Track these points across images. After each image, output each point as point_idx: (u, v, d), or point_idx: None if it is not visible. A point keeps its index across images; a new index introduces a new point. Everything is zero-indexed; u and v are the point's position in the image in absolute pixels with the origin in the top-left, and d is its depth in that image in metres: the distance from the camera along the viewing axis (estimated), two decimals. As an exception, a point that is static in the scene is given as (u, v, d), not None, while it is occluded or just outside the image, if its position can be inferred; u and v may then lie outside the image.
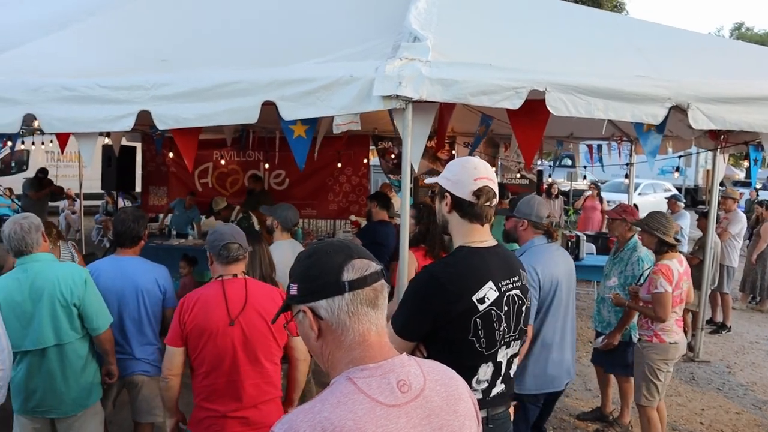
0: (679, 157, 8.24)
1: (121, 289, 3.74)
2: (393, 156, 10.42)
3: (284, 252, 4.66)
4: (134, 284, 3.76)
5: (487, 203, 2.27)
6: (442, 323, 2.17)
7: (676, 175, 9.49)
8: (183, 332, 2.94)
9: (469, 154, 6.84)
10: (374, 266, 1.40)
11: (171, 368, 3.00)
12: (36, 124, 4.02)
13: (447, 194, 2.31)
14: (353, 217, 9.91)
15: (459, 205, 2.28)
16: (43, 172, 11.04)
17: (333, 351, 1.38)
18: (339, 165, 10.41)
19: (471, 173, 2.27)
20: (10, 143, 5.41)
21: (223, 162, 10.77)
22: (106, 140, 8.44)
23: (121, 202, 13.56)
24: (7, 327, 3.30)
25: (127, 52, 4.62)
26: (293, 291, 1.42)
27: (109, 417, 4.07)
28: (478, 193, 2.24)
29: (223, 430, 2.93)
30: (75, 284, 3.35)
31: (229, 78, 3.61)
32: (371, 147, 10.87)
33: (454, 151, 10.20)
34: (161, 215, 10.88)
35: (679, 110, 3.69)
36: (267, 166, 10.63)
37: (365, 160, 10.71)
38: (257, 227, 8.61)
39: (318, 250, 1.44)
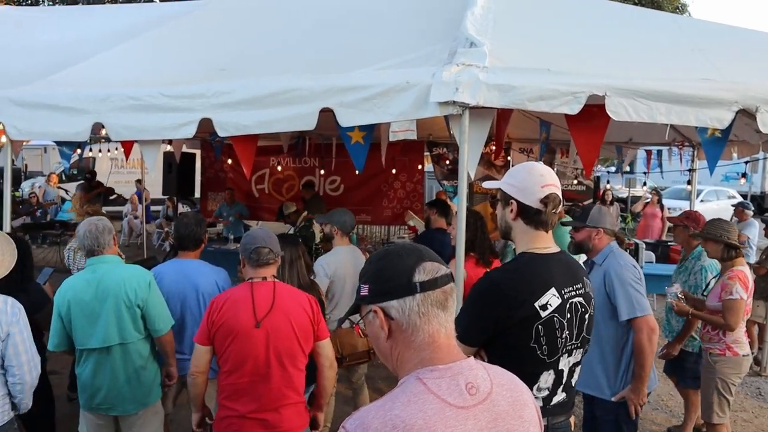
0: (746, 162, 7.93)
1: (183, 291, 3.84)
2: (448, 162, 10.40)
3: (344, 257, 4.73)
4: (196, 286, 3.86)
5: (554, 210, 2.24)
6: (503, 329, 2.15)
7: (742, 181, 9.13)
8: (211, 331, 2.98)
9: (538, 160, 6.76)
10: (444, 269, 1.43)
11: (198, 365, 3.06)
12: (103, 132, 4.16)
13: (513, 201, 2.27)
14: (412, 222, 9.88)
15: (525, 212, 2.25)
16: (91, 173, 11.45)
17: (402, 351, 1.41)
18: (393, 171, 10.43)
19: (538, 180, 2.24)
20: (79, 151, 5.65)
21: (279, 168, 10.94)
22: (168, 147, 8.68)
23: (180, 208, 13.90)
24: (75, 325, 3.46)
25: (189, 61, 4.75)
26: (364, 291, 1.45)
27: (170, 416, 4.18)
28: (545, 200, 2.21)
29: (241, 430, 2.96)
30: (139, 286, 3.46)
31: (287, 85, 3.67)
32: (426, 153, 10.87)
33: (509, 157, 10.11)
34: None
35: (746, 114, 3.56)
36: (323, 172, 10.75)
37: (420, 166, 10.71)
38: (318, 236, 8.69)
39: (390, 253, 1.48)
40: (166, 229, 13.50)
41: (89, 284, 3.45)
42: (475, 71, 3.37)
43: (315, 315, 3.09)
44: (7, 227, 4.33)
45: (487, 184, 2.53)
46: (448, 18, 4.46)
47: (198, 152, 11.38)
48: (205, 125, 3.87)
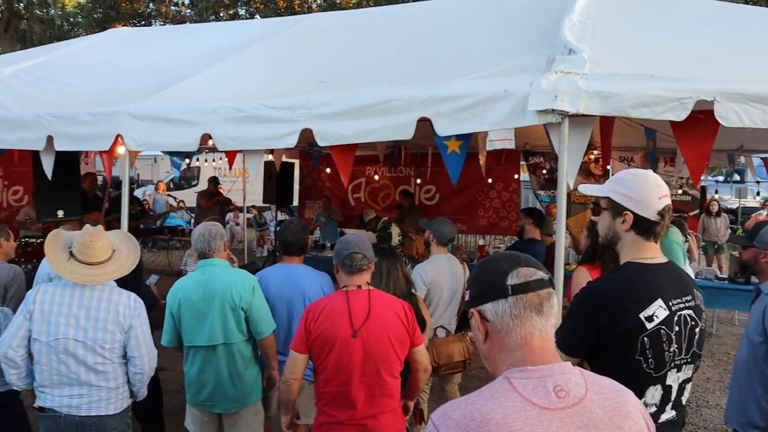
0: None
1: (290, 295, 3.95)
2: (545, 171, 10.21)
3: (441, 265, 4.75)
4: (302, 291, 3.96)
5: (667, 221, 2.19)
6: (607, 340, 2.10)
7: None
8: (308, 340, 3.02)
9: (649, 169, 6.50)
10: (541, 274, 1.45)
11: (294, 372, 3.10)
12: (210, 143, 4.37)
13: (627, 213, 2.20)
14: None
15: (640, 224, 2.19)
16: (214, 180, 11.93)
17: (497, 353, 1.44)
18: (489, 180, 10.36)
19: (655, 191, 2.18)
20: (187, 160, 5.98)
21: (376, 177, 11.10)
22: (269, 157, 8.99)
23: (280, 216, 14.34)
24: (184, 323, 3.68)
25: (290, 75, 4.93)
26: (467, 296, 1.52)
27: (274, 418, 4.32)
28: (662, 212, 2.16)
29: None
30: (244, 290, 3.62)
31: (385, 96, 3.73)
32: (522, 162, 10.72)
33: (608, 166, 9.80)
34: (318, 227, 11.40)
35: None
36: (419, 181, 10.82)
37: (516, 176, 10.58)
38: (396, 239, 8.77)
39: (489, 259, 1.55)
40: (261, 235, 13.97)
41: (198, 285, 3.66)
42: (574, 78, 3.30)
43: (410, 322, 3.10)
44: (125, 228, 4.63)
45: (586, 189, 2.46)
46: (545, 25, 4.40)
47: (297, 161, 11.72)
48: (306, 135, 3.99)
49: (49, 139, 4.76)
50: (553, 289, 1.48)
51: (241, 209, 13.06)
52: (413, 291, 4.04)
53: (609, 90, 3.28)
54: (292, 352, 3.09)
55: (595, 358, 2.16)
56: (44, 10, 21.18)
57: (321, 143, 3.90)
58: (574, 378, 1.36)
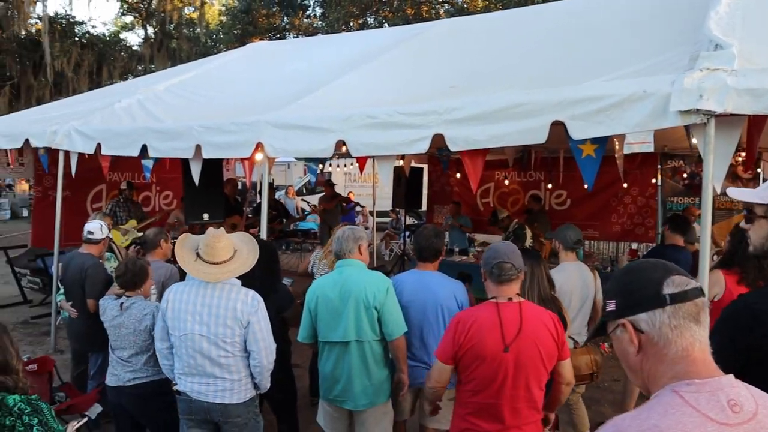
0: None
1: (424, 302, 3.95)
2: (685, 176, 9.63)
3: (570, 273, 4.59)
4: (435, 298, 3.95)
5: None
6: (758, 358, 1.96)
7: None
8: (457, 353, 2.99)
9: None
10: (694, 283, 1.39)
11: (440, 382, 3.10)
12: (344, 149, 4.52)
13: None
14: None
15: None
16: (329, 183, 12.30)
17: (654, 365, 1.38)
18: (624, 185, 9.90)
19: None
20: (321, 166, 6.22)
21: (506, 182, 10.97)
22: (399, 162, 9.14)
23: (408, 220, 14.49)
24: (320, 319, 3.83)
25: (420, 81, 4.99)
26: (611, 306, 1.45)
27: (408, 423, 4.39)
28: None
29: None
30: (378, 290, 3.70)
31: (517, 100, 3.69)
32: (658, 166, 10.18)
33: (759, 169, 9.09)
34: (446, 232, 11.41)
35: None
36: (549, 186, 10.56)
37: (653, 180, 10.04)
38: (528, 241, 8.64)
39: (635, 267, 1.48)
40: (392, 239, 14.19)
41: (335, 284, 3.80)
42: (722, 76, 3.11)
43: (559, 335, 3.03)
44: (264, 234, 4.89)
45: (738, 193, 2.30)
46: (686, 21, 4.18)
47: (425, 166, 11.80)
48: (436, 140, 4.02)
49: (198, 147, 5.13)
50: (706, 297, 1.41)
51: (371, 213, 13.35)
52: (554, 293, 3.95)
53: (762, 87, 3.06)
54: (438, 362, 3.08)
55: (747, 375, 2.01)
56: (190, 30, 22.74)
57: (452, 148, 3.91)
58: (743, 391, 1.30)
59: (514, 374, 2.91)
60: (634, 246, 10.08)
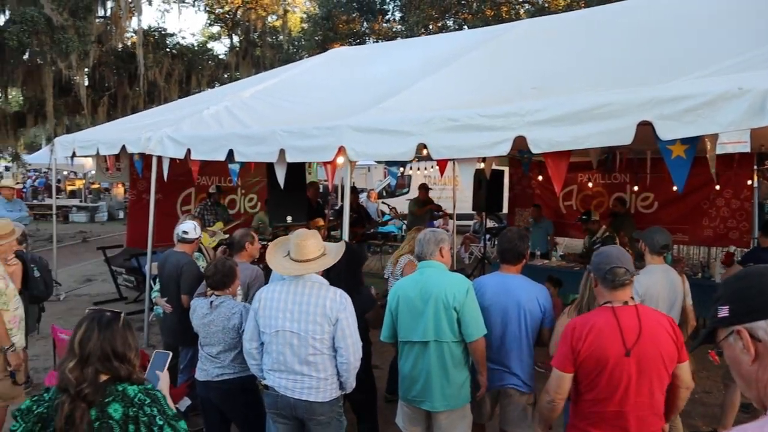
0: None
1: (506, 305, 3.92)
2: (784, 178, 9.10)
3: (657, 276, 4.44)
4: (518, 302, 3.90)
5: None
6: None
7: None
8: (576, 359, 2.92)
9: None
10: None
11: (559, 392, 3.02)
12: (425, 152, 4.53)
13: None
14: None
15: None
16: (424, 188, 12.29)
17: None
18: (717, 187, 9.44)
19: None
20: (401, 169, 6.25)
21: (590, 184, 10.69)
22: (480, 165, 9.06)
23: (489, 223, 14.35)
24: (400, 319, 3.88)
25: (502, 83, 4.94)
26: (723, 313, 1.38)
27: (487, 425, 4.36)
28: None
29: None
30: (458, 291, 3.71)
31: (603, 100, 3.60)
32: (755, 167, 9.65)
33: None
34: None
35: None
36: (636, 188, 10.21)
37: (749, 182, 9.52)
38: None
39: (753, 272, 1.40)
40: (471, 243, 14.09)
41: (416, 284, 3.84)
42: (826, 71, 2.95)
43: (678, 337, 2.95)
44: (345, 236, 4.96)
45: None
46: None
47: (506, 169, 11.66)
48: (518, 142, 3.98)
49: (282, 152, 5.27)
50: None
51: (450, 216, 13.30)
52: None
53: None
54: (556, 371, 3.02)
55: None
56: (274, 37, 23.35)
57: (534, 150, 3.86)
58: None
59: (638, 380, 2.84)
60: (731, 249, 9.59)
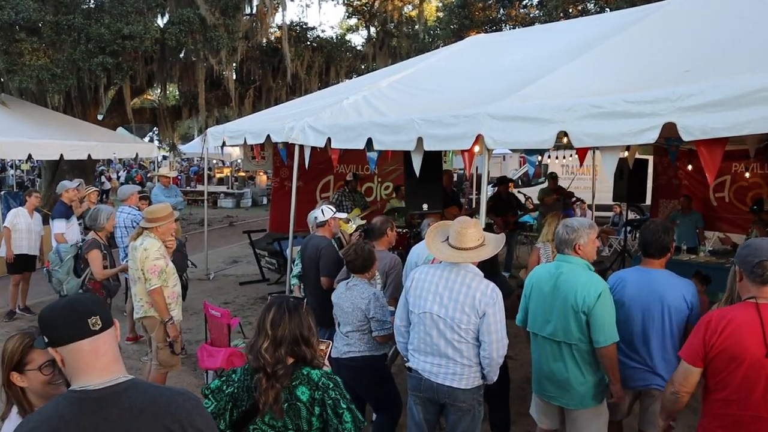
0: None
1: (648, 302, 3.76)
2: None
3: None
4: (661, 298, 3.74)
5: None
6: None
7: None
8: (707, 354, 2.78)
9: None
10: None
11: (686, 385, 2.90)
12: (565, 140, 4.40)
13: None
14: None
15: None
16: (552, 176, 11.96)
17: None
18: None
19: None
20: (540, 157, 6.11)
21: (746, 175, 9.92)
22: (624, 154, 8.68)
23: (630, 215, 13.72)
24: (531, 309, 3.84)
25: (649, 66, 4.68)
26: None
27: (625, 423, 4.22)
28: None
29: None
30: (589, 294, 3.57)
31: (763, 83, 3.33)
32: None
33: None
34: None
35: None
36: (798, 179, 9.37)
37: None
38: None
39: None
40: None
41: (550, 279, 3.77)
42: None
43: None
44: (482, 224, 4.95)
45: None
46: None
47: (651, 158, 11.08)
48: (666, 129, 3.76)
49: (419, 140, 5.32)
50: None
51: (589, 206, 12.85)
52: None
53: None
54: (684, 364, 2.91)
55: None
56: (409, 27, 23.52)
57: (686, 138, 3.63)
58: None
59: None
60: None
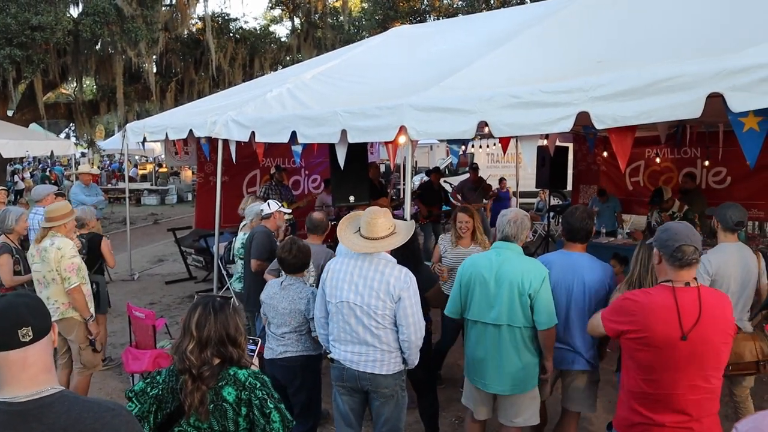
0: None
1: (571, 283, 3.90)
2: None
3: (729, 255, 4.30)
4: (582, 279, 3.87)
5: None
6: None
7: None
8: (623, 331, 2.88)
9: None
10: None
11: (592, 332, 3.20)
12: (486, 130, 4.49)
13: None
14: None
15: None
16: (473, 167, 12.18)
17: None
18: (794, 160, 9.00)
19: None
20: (463, 147, 6.21)
21: (657, 160, 10.37)
22: (543, 142, 8.91)
23: (552, 201, 14.11)
24: (473, 298, 3.88)
25: (564, 57, 4.83)
26: None
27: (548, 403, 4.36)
28: None
29: None
30: (535, 278, 3.69)
31: (670, 72, 3.48)
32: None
33: None
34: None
35: None
36: (706, 163, 9.84)
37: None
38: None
39: None
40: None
41: (491, 265, 3.83)
42: None
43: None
44: (408, 215, 5.01)
45: None
46: None
47: (570, 145, 11.44)
48: (581, 118, 3.90)
49: (343, 132, 5.32)
50: None
51: (514, 193, 13.16)
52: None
53: None
54: (601, 326, 3.05)
55: None
56: (334, 18, 23.42)
57: (598, 126, 3.78)
58: None
59: (692, 364, 2.73)
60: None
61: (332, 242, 7.99)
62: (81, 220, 6.22)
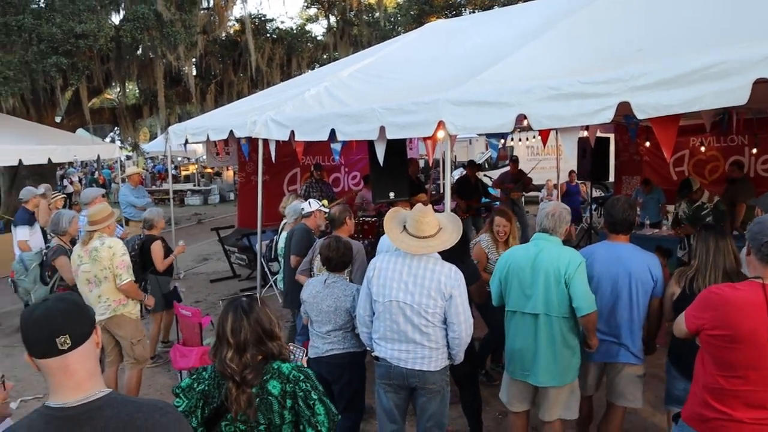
0: None
1: (616, 274, 3.86)
2: None
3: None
4: (628, 270, 3.84)
5: None
6: None
7: None
8: (705, 327, 2.76)
9: None
10: None
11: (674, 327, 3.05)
12: (525, 122, 4.45)
13: None
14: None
15: None
16: (514, 160, 12.06)
17: None
18: None
19: None
20: (503, 141, 6.16)
21: (702, 149, 10.12)
22: (584, 133, 8.78)
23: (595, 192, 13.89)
24: (510, 289, 3.87)
25: (604, 47, 4.76)
26: None
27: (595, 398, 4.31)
28: None
29: None
30: (570, 264, 3.69)
31: (714, 59, 3.39)
32: None
33: None
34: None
35: None
36: (754, 150, 9.57)
37: None
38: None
39: None
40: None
41: (528, 255, 3.83)
42: None
43: None
44: (448, 210, 5.00)
45: None
46: None
47: (612, 136, 11.25)
48: (622, 108, 3.83)
49: (382, 129, 5.33)
50: None
51: (555, 186, 13.00)
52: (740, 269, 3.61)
53: None
54: (684, 326, 2.91)
55: None
56: (370, 15, 23.43)
57: (640, 116, 3.71)
58: None
59: None
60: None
61: (373, 238, 8.05)
62: (149, 222, 6.47)
